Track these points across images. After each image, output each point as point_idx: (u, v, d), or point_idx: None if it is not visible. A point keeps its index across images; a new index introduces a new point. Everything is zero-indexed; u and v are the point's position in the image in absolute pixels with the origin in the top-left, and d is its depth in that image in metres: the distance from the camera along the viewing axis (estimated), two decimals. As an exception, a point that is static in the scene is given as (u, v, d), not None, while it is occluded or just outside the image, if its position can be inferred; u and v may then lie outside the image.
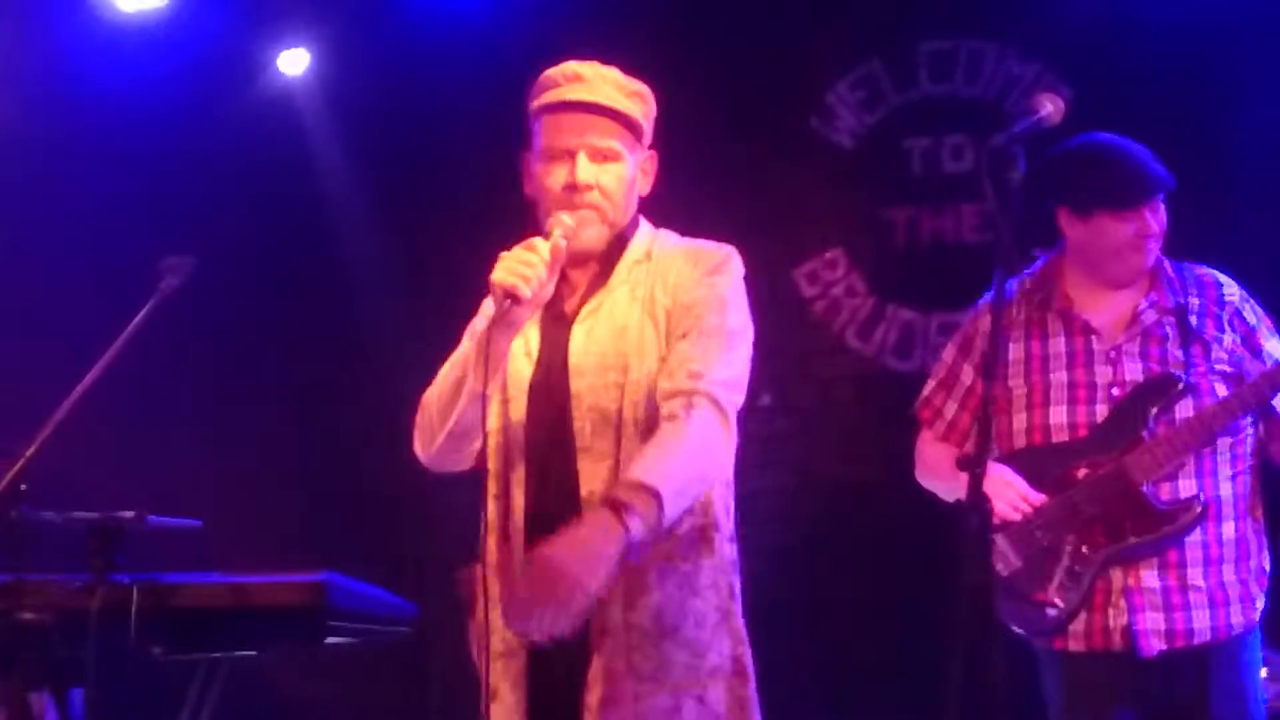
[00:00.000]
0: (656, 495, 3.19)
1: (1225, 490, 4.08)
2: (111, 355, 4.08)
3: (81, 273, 6.35)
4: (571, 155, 3.49)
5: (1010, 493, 4.12)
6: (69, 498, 4.10)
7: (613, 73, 3.56)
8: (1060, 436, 4.15)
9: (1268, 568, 4.16)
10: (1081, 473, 4.11)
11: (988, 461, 4.17)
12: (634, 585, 3.38)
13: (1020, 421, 4.20)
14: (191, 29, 6.53)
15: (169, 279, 4.20)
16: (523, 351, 3.55)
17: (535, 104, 3.55)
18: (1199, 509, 4.02)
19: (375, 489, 6.59)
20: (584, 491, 3.41)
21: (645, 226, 3.61)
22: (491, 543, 3.50)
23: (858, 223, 6.53)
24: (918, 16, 6.45)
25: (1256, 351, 4.13)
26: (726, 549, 3.49)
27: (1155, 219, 4.13)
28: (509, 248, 3.43)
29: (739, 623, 3.49)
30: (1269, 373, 4.05)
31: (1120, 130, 4.21)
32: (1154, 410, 4.06)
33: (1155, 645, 4.02)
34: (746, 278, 3.57)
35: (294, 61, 6.81)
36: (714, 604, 3.45)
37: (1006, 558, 4.15)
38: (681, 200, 3.78)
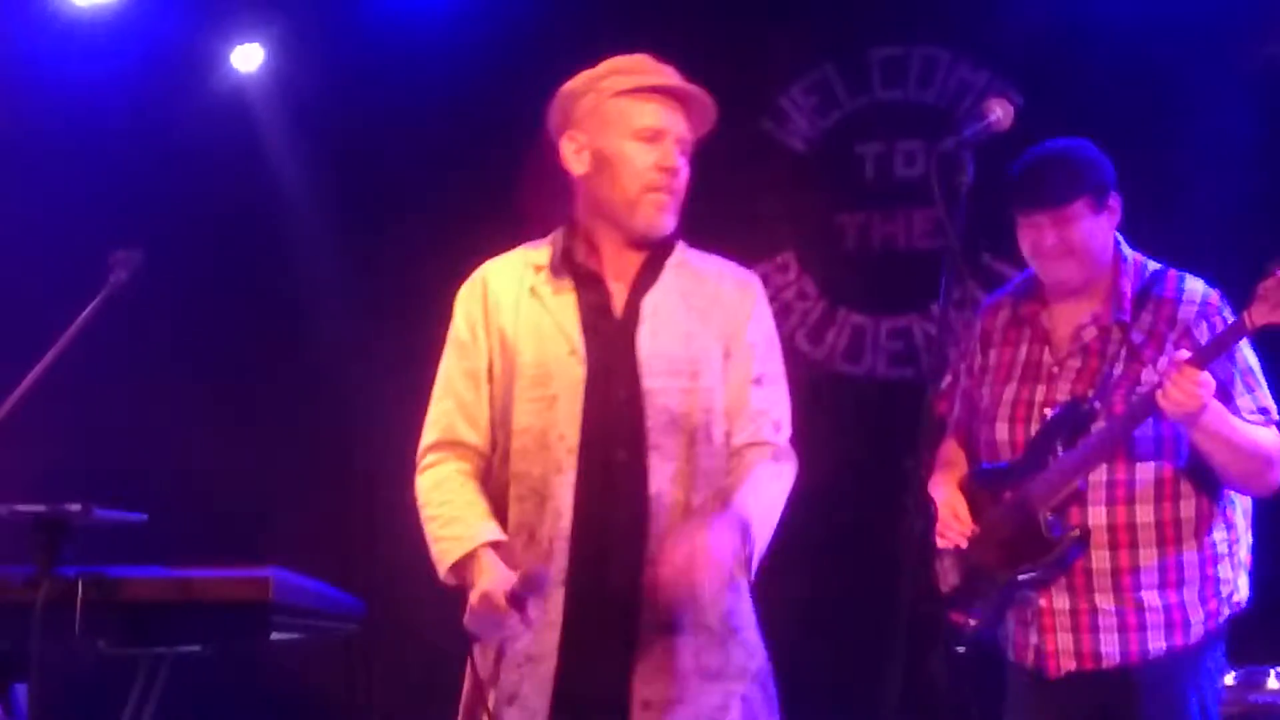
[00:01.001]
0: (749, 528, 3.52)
1: (1145, 517, 3.93)
2: (58, 349, 4.06)
3: (32, 267, 6.31)
4: (662, 138, 3.56)
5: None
6: (14, 491, 4.08)
7: None
8: (1005, 455, 4.07)
9: (1230, 594, 4.00)
10: (1007, 495, 4.03)
11: (936, 472, 4.21)
12: None
13: (982, 433, 4.14)
14: (144, 24, 6.50)
15: (118, 273, 4.19)
16: (566, 351, 3.56)
17: (612, 84, 3.58)
18: (1075, 536, 3.91)
19: (324, 487, 6.57)
20: (652, 489, 3.48)
21: None
22: (517, 544, 3.52)
23: (809, 227, 6.53)
24: (871, 22, 6.46)
25: None
26: None
27: (1056, 231, 3.94)
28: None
29: None
30: (1137, 401, 3.86)
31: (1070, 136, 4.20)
32: (1062, 434, 3.95)
33: (1062, 665, 3.98)
34: None
35: (248, 58, 6.78)
36: (751, 606, 3.60)
37: (948, 577, 4.14)
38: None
